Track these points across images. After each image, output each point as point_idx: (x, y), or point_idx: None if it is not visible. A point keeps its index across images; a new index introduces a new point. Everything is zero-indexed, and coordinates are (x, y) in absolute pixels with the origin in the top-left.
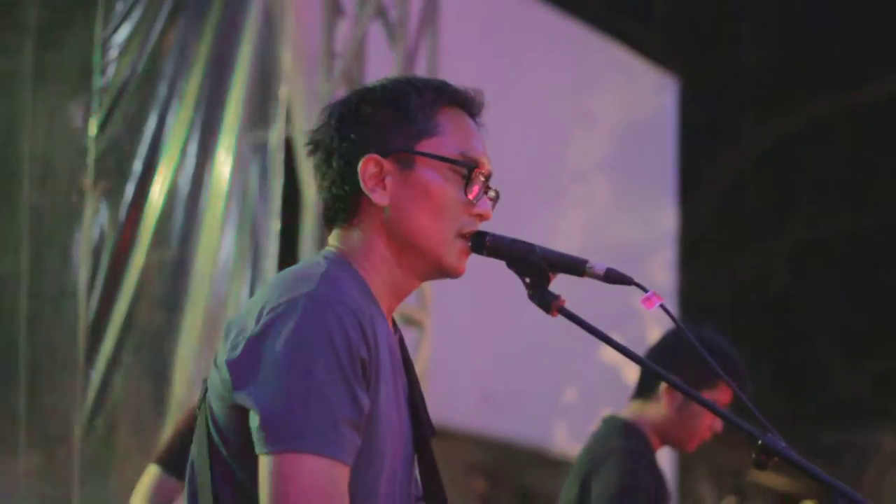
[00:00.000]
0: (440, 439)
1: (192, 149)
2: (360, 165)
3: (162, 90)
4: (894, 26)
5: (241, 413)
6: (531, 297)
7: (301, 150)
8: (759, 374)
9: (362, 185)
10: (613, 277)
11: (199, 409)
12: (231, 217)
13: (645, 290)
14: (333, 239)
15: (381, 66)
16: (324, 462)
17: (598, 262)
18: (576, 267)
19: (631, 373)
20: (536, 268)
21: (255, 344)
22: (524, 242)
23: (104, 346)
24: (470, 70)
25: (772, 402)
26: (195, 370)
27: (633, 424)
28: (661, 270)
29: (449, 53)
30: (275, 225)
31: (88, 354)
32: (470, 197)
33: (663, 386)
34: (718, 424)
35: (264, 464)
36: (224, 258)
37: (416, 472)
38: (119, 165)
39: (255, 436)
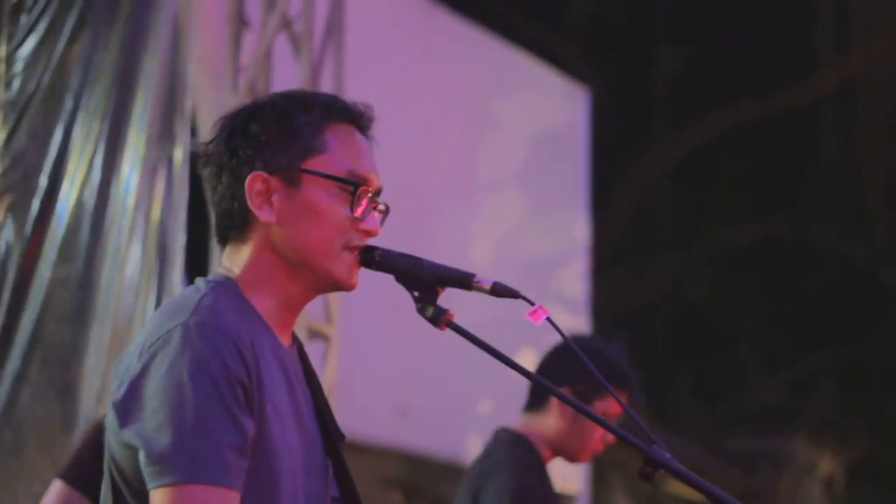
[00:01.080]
0: (355, 453)
1: (98, 162)
2: (246, 183)
3: (68, 103)
4: (803, 35)
5: (132, 451)
6: (419, 311)
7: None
8: (677, 382)
9: (249, 202)
10: (500, 291)
11: (104, 448)
12: (137, 231)
13: (531, 304)
14: (225, 255)
15: (286, 79)
16: (211, 490)
17: (485, 277)
18: (463, 281)
19: None
20: (425, 282)
21: (136, 382)
22: (413, 257)
23: (10, 361)
24: (377, 81)
25: (690, 411)
26: (102, 385)
27: (523, 436)
28: (574, 282)
29: (355, 64)
30: (181, 238)
31: None
32: (356, 214)
33: (553, 398)
34: (610, 436)
35: (154, 498)
36: (130, 272)
37: (331, 478)
38: (25, 179)
39: (144, 472)
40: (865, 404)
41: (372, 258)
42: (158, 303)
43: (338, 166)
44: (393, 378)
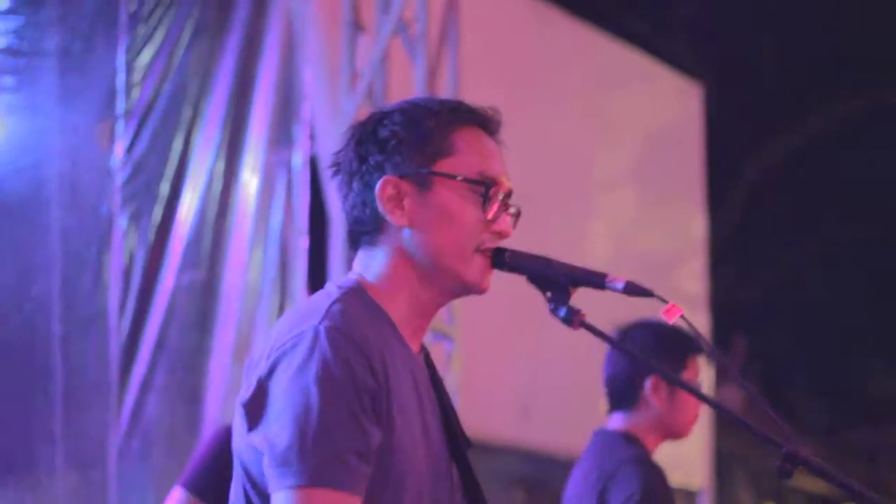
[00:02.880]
0: (478, 452)
1: (219, 169)
2: (377, 188)
3: (187, 112)
4: None
5: (258, 453)
6: (552, 311)
7: (326, 168)
8: (795, 376)
9: (380, 207)
10: (633, 290)
11: (226, 454)
12: (258, 236)
13: (665, 302)
14: (357, 261)
15: (403, 82)
16: (335, 495)
17: (618, 276)
18: (596, 281)
19: None
20: (557, 283)
21: (264, 383)
22: (544, 258)
23: (136, 367)
24: (492, 82)
25: (808, 404)
26: (227, 390)
27: (629, 433)
28: (692, 278)
29: (471, 66)
30: (302, 242)
31: (121, 376)
32: (488, 216)
33: (647, 388)
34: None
35: (277, 500)
36: (252, 277)
37: (456, 485)
38: (147, 188)
39: (267, 474)
40: None
41: (503, 260)
42: (282, 307)
43: (468, 168)
44: (516, 377)
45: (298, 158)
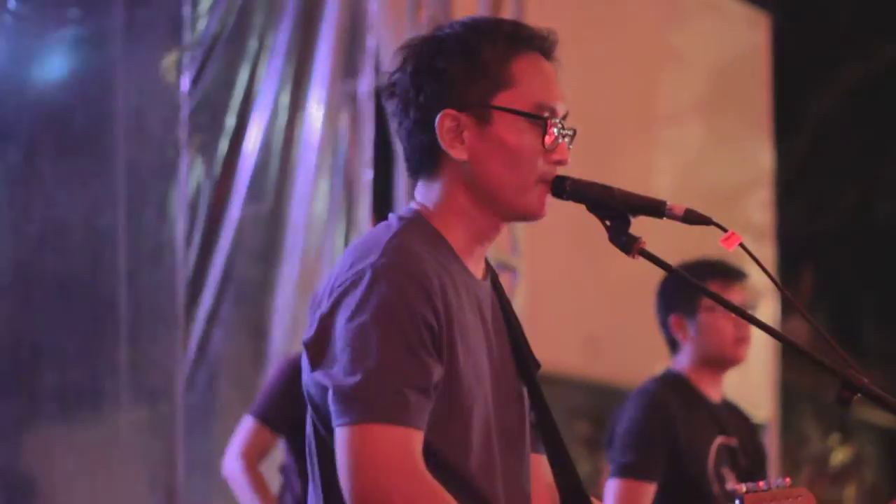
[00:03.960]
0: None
1: (284, 101)
2: (437, 120)
3: (252, 44)
4: None
5: (323, 389)
6: (612, 239)
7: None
8: (863, 310)
9: (440, 140)
10: (693, 218)
11: (295, 384)
12: (324, 168)
13: (724, 230)
14: (417, 190)
15: (467, 11)
16: (394, 430)
17: (677, 204)
18: (655, 209)
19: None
20: (617, 211)
21: (325, 321)
22: (604, 186)
23: (203, 299)
24: (558, 11)
25: (878, 339)
26: (292, 322)
27: (672, 374)
28: (758, 209)
29: None
30: (367, 174)
31: (188, 308)
32: (547, 145)
33: (673, 329)
34: (739, 321)
35: (338, 437)
36: (318, 209)
37: (527, 406)
38: (212, 120)
39: (330, 410)
40: None
41: (563, 188)
42: (347, 239)
43: (527, 100)
44: (580, 308)
45: (364, 90)
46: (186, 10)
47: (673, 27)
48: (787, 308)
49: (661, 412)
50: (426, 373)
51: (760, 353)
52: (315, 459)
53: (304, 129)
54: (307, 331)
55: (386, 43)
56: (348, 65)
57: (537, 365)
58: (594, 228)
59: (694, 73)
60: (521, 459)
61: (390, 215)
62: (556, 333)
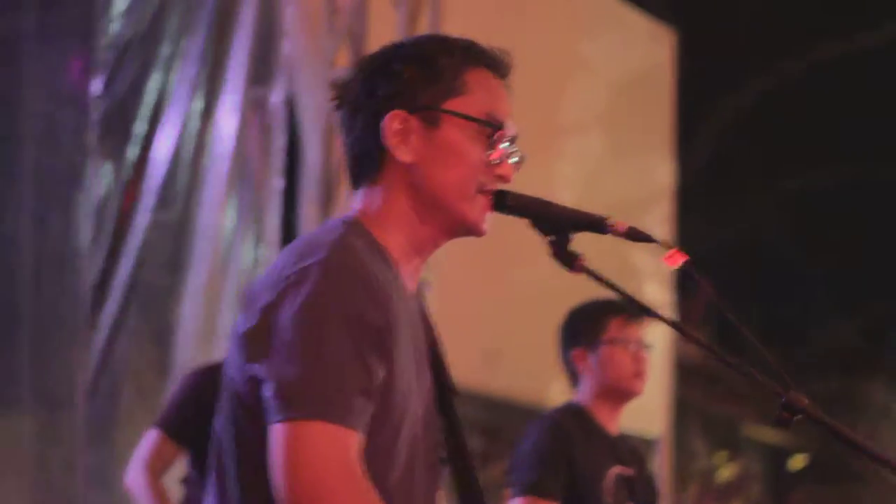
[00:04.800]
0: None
1: (197, 108)
2: (384, 121)
3: (165, 49)
4: None
5: (258, 385)
6: (553, 255)
7: (302, 108)
8: (752, 325)
9: (386, 141)
10: (635, 235)
11: (224, 382)
12: (234, 176)
13: (667, 248)
14: (357, 198)
15: (383, 21)
16: (336, 430)
17: (620, 221)
18: (597, 225)
19: None
20: (559, 226)
21: (269, 314)
22: (546, 201)
23: (107, 306)
24: (473, 24)
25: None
26: (198, 331)
27: (574, 406)
28: (658, 225)
29: (452, 8)
30: (277, 183)
31: (92, 315)
32: (493, 157)
33: (574, 362)
34: (639, 355)
35: (275, 433)
36: (228, 218)
37: (441, 433)
38: (123, 125)
39: (267, 405)
40: None
41: (505, 202)
42: (256, 248)
43: (477, 109)
44: (480, 323)
45: (276, 98)
46: (99, 14)
47: (580, 38)
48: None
49: (562, 436)
50: (371, 376)
51: (654, 369)
52: (232, 462)
53: (216, 136)
54: (244, 322)
55: (299, 50)
56: (261, 72)
57: (454, 391)
58: (494, 243)
59: (599, 84)
60: (435, 487)
61: (331, 220)
62: (457, 348)
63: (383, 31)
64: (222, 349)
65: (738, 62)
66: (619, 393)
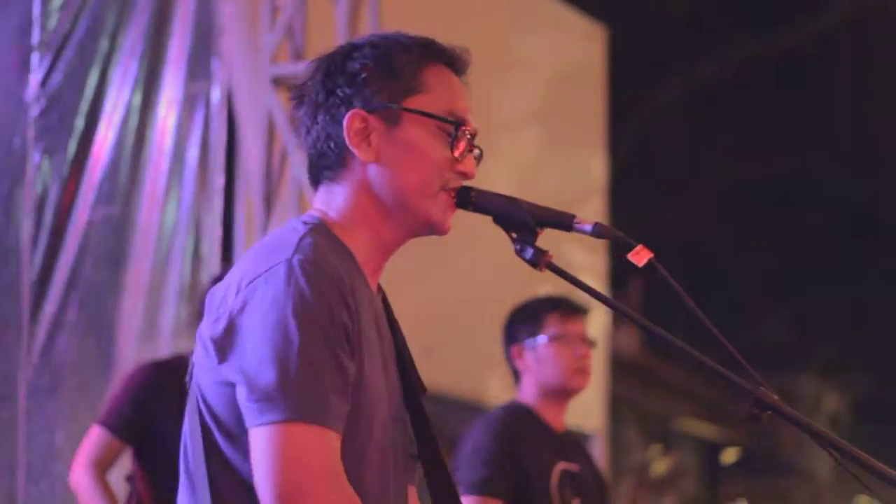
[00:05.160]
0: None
1: (136, 103)
2: (345, 121)
3: (104, 44)
4: None
5: (229, 388)
6: (519, 252)
7: (240, 104)
8: (681, 320)
9: (347, 140)
10: (601, 232)
11: (189, 387)
12: (175, 172)
13: (633, 245)
14: (318, 197)
15: (323, 18)
16: (315, 431)
17: (585, 218)
18: (563, 222)
19: None
20: (524, 223)
21: (237, 317)
22: (510, 198)
23: (48, 303)
24: (413, 21)
25: (696, 348)
26: (140, 327)
27: (516, 403)
28: (592, 220)
29: (391, 3)
30: (218, 180)
31: (32, 311)
32: (455, 154)
33: (514, 359)
34: (579, 351)
35: (256, 436)
36: (169, 213)
37: (411, 430)
38: (62, 121)
39: (244, 409)
40: (867, 343)
41: (468, 199)
42: (197, 244)
43: (438, 106)
44: (418, 318)
45: (217, 93)
46: (36, 9)
47: (514, 35)
48: (617, 320)
49: (506, 434)
50: (345, 375)
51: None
52: (201, 467)
53: (156, 132)
54: (211, 328)
55: (238, 46)
56: (201, 68)
57: (423, 389)
58: (432, 240)
59: (532, 81)
60: (407, 485)
61: (291, 220)
62: None
63: (323, 28)
64: (164, 345)
65: (665, 60)
66: (560, 390)
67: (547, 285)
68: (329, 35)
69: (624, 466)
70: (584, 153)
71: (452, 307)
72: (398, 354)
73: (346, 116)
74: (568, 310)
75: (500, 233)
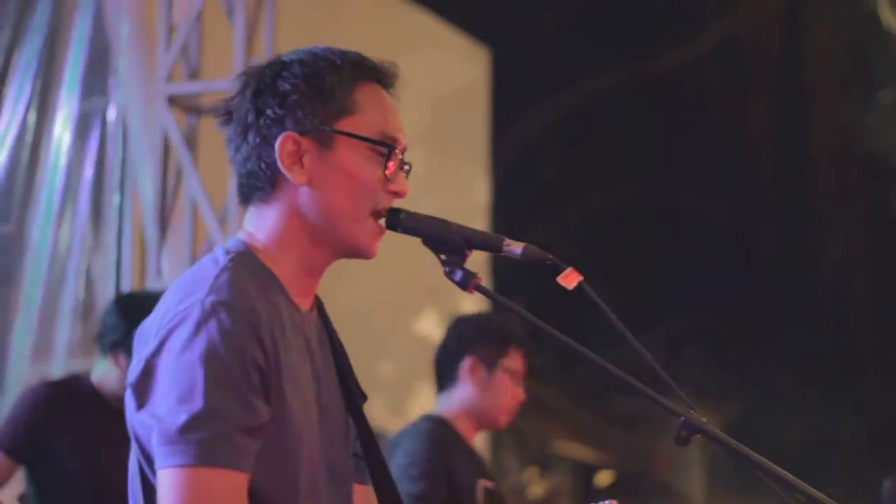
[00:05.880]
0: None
1: (30, 121)
2: (277, 143)
3: None
4: None
5: (149, 431)
6: (447, 274)
7: (134, 124)
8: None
9: (280, 163)
10: (531, 255)
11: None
12: (70, 190)
13: (563, 268)
14: (247, 218)
15: (219, 37)
16: (220, 473)
17: (514, 241)
18: (492, 244)
19: None
20: (453, 245)
21: (151, 361)
22: (440, 220)
23: None
24: (308, 42)
25: (571, 371)
26: (32, 347)
27: (440, 417)
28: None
29: (287, 25)
30: (115, 198)
31: None
32: (387, 174)
33: (464, 367)
34: (520, 394)
35: (162, 478)
36: (64, 232)
37: (353, 438)
38: None
39: (155, 452)
40: (736, 367)
41: (398, 220)
42: (90, 263)
43: (369, 127)
44: None
45: (112, 112)
46: None
47: (396, 57)
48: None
49: (441, 447)
50: (253, 414)
51: None
52: (140, 497)
53: (51, 149)
54: (132, 371)
55: (133, 65)
56: (97, 86)
57: (363, 396)
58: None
59: (415, 103)
60: (347, 497)
61: (216, 248)
62: None
63: (218, 47)
64: (58, 365)
65: (546, 81)
66: (491, 421)
67: (428, 305)
68: (225, 54)
69: (502, 488)
70: (467, 175)
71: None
72: (338, 367)
73: (279, 139)
74: (528, 350)
75: (383, 257)
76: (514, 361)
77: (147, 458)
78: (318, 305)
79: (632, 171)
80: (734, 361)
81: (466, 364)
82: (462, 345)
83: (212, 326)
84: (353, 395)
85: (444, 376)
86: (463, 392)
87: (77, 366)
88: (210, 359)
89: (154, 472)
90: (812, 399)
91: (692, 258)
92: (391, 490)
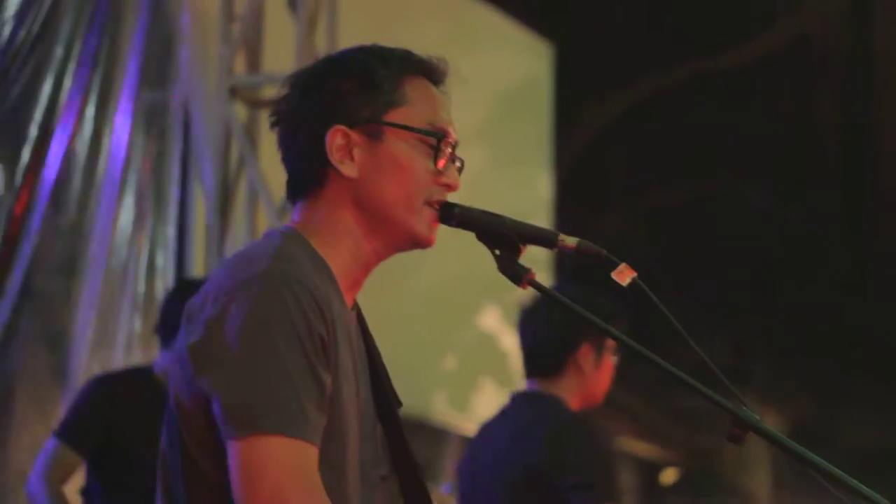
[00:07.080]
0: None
1: (90, 112)
2: (326, 138)
3: (58, 51)
4: None
5: (206, 401)
6: (501, 269)
7: (197, 116)
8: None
9: (330, 157)
10: (585, 251)
11: (169, 398)
12: (130, 181)
13: (617, 263)
14: (297, 212)
15: (280, 30)
16: (294, 444)
17: (569, 237)
18: (547, 239)
19: (507, 339)
20: (507, 240)
21: (214, 327)
22: (494, 214)
23: (0, 313)
24: (368, 36)
25: (635, 367)
26: (94, 337)
27: (557, 398)
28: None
29: (346, 19)
30: (174, 190)
31: None
32: (438, 166)
33: (578, 355)
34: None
35: (233, 450)
36: (123, 223)
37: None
38: (16, 129)
39: (221, 422)
40: (805, 366)
41: (451, 214)
42: (152, 254)
43: (419, 119)
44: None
45: (173, 103)
46: None
47: (460, 52)
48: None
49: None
50: (322, 388)
51: None
52: (180, 480)
53: (111, 140)
54: (188, 337)
55: (194, 56)
56: (157, 77)
57: (398, 403)
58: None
59: (478, 98)
60: (387, 499)
61: (269, 230)
62: None
63: (280, 39)
64: (119, 357)
65: (612, 78)
66: (594, 399)
67: (489, 300)
68: (285, 47)
69: None
70: (530, 170)
71: (396, 322)
72: (372, 370)
73: (328, 133)
74: (622, 324)
75: (445, 252)
76: (611, 342)
77: (191, 430)
78: (357, 308)
79: (698, 169)
80: (802, 363)
81: (582, 353)
82: (575, 332)
83: (279, 294)
84: (388, 403)
85: (551, 361)
86: (574, 378)
87: (138, 358)
88: (279, 326)
89: (199, 445)
90: (885, 403)
91: (759, 257)
92: (421, 495)
